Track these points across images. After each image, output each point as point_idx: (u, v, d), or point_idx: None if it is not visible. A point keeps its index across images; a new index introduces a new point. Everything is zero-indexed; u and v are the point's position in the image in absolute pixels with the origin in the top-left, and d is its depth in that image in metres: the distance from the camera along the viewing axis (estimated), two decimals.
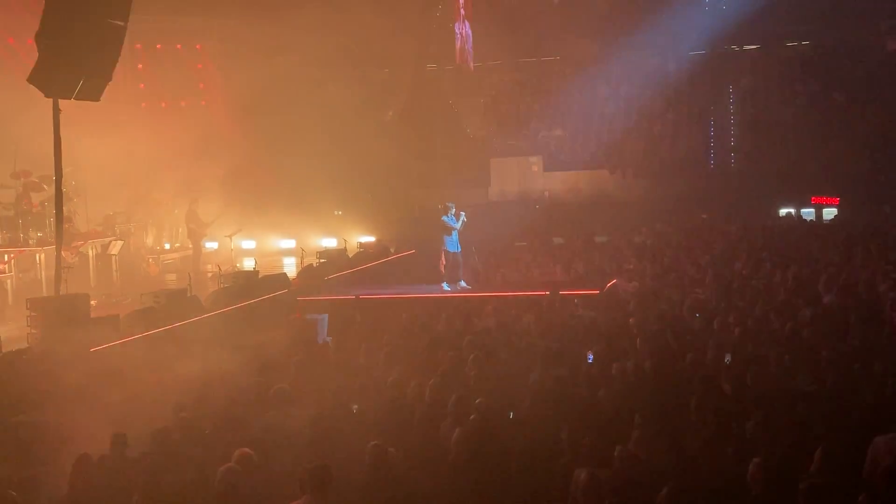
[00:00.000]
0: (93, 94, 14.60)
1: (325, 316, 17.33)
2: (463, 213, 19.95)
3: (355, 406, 10.53)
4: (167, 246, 26.61)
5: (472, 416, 9.24)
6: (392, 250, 26.91)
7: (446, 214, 19.83)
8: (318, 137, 28.50)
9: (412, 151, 31.51)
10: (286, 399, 10.43)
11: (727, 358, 11.69)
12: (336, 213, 30.68)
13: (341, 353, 13.41)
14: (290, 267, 24.78)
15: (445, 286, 19.88)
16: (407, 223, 29.75)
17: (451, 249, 19.85)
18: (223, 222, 24.33)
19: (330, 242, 28.46)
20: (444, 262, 19.96)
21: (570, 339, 13.71)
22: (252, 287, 19.11)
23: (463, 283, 20.07)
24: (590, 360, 12.31)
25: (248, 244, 28.82)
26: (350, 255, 25.13)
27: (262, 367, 12.19)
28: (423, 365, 12.51)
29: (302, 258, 23.84)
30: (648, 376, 11.11)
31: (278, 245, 29.57)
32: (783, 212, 31.46)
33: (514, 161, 35.61)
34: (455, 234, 19.81)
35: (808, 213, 31.44)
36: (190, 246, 24.51)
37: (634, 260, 22.66)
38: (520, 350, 13.20)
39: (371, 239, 28.78)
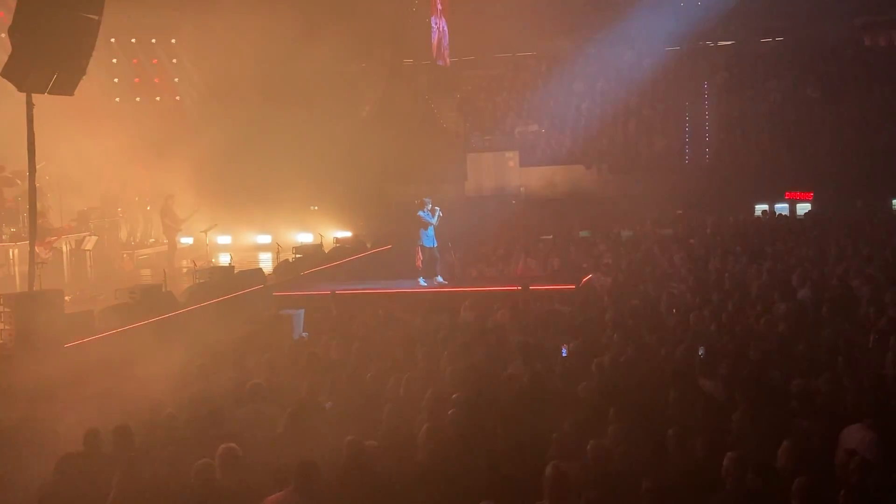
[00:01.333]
0: (67, 88, 14.47)
1: (302, 311, 17.30)
2: (438, 209, 19.95)
3: (329, 403, 10.53)
4: (152, 240, 26.46)
5: (450, 411, 9.24)
6: (368, 245, 26.88)
7: (422, 210, 19.83)
8: (294, 132, 28.38)
9: (388, 147, 31.46)
10: (262, 394, 10.41)
11: (701, 351, 11.76)
12: (312, 208, 30.58)
13: (317, 349, 13.38)
14: (266, 262, 24.68)
15: (422, 281, 19.88)
16: (383, 218, 29.71)
17: (428, 245, 19.85)
18: (198, 218, 24.20)
19: (306, 238, 28.38)
20: (421, 258, 19.96)
21: (546, 334, 13.75)
22: (228, 283, 19.03)
23: (440, 279, 20.08)
24: (564, 354, 12.35)
25: (224, 239, 28.66)
26: (326, 251, 25.06)
27: (237, 363, 12.15)
28: (400, 360, 12.52)
29: (278, 253, 23.76)
30: (624, 371, 11.16)
31: (254, 240, 29.45)
32: (758, 208, 31.63)
33: (491, 156, 35.67)
34: (431, 230, 19.81)
35: (781, 208, 31.66)
36: (165, 241, 24.37)
37: (610, 255, 22.76)
38: (495, 345, 13.22)
39: (347, 234, 28.72)
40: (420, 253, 19.96)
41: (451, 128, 37.90)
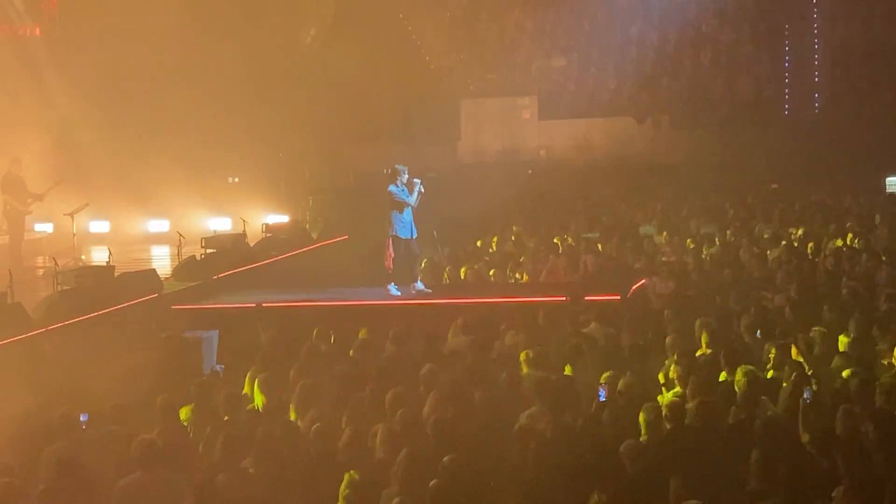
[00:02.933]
0: None
1: (215, 333, 17.31)
2: (419, 182, 19.91)
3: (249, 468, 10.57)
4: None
5: (432, 483, 9.27)
6: (314, 236, 26.87)
7: (395, 183, 19.80)
8: (205, 68, 28.37)
9: (344, 90, 31.46)
10: (155, 456, 10.41)
11: (806, 395, 11.79)
12: (231, 180, 30.58)
13: (237, 388, 13.39)
14: (162, 260, 24.69)
15: (393, 289, 19.88)
16: (336, 196, 29.70)
17: (403, 235, 19.80)
18: (60, 194, 24.15)
19: (221, 224, 28.38)
20: (392, 255, 19.92)
21: (577, 369, 13.78)
22: (105, 290, 19.02)
23: (420, 285, 20.09)
24: (602, 399, 12.37)
25: (100, 226, 28.67)
26: (251, 244, 25.05)
27: (118, 410, 12.16)
28: (360, 407, 12.55)
29: (179, 247, 23.75)
30: (691, 423, 11.19)
31: (144, 228, 29.45)
32: (892, 182, 31.71)
33: (497, 104, 35.66)
34: (408, 213, 19.76)
35: None
36: (7, 228, 24.30)
37: (672, 250, 22.81)
38: (503, 385, 13.25)
39: (283, 219, 28.71)
40: (391, 247, 19.91)
41: (437, 61, 37.89)
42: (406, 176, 19.84)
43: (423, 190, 19.92)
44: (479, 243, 25.69)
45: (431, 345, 15.28)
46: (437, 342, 15.43)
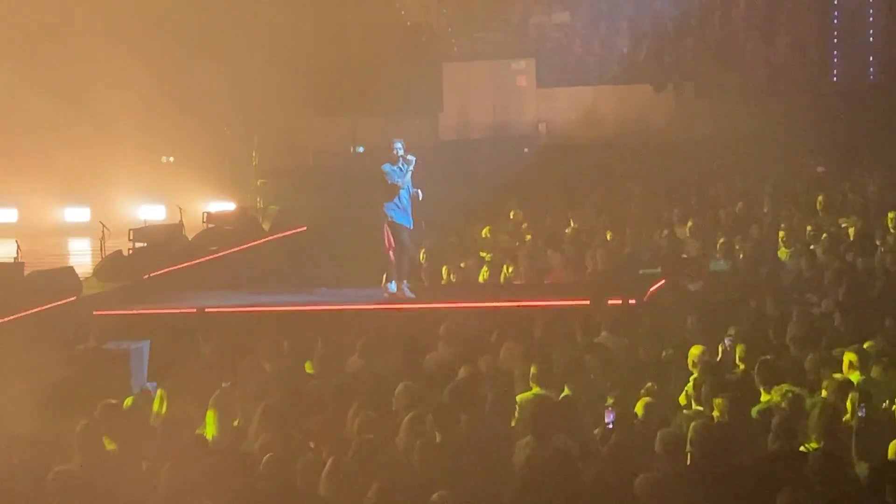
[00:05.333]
0: None
1: (146, 344, 17.31)
2: (413, 159, 19.77)
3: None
4: None
5: None
6: (266, 227, 26.88)
7: (392, 162, 19.64)
8: (133, 25, 28.35)
9: (304, 52, 31.47)
10: (75, 489, 10.43)
11: (861, 411, 11.82)
12: (164, 160, 30.56)
13: (174, 410, 13.42)
14: (82, 256, 24.69)
15: (393, 287, 19.76)
16: (293, 179, 29.71)
17: (401, 221, 19.65)
18: None
19: (153, 213, 28.37)
20: (394, 244, 19.70)
21: (581, 387, 13.81)
22: (12, 292, 19.02)
23: (392, 287, 20.04)
24: (609, 424, 12.38)
25: (6, 215, 28.64)
26: (190, 236, 25.05)
27: (30, 438, 12.18)
28: (322, 431, 12.57)
29: (103, 240, 23.74)
30: (719, 451, 11.22)
31: (60, 217, 29.41)
32: None
33: (486, 68, 35.67)
34: (405, 198, 19.63)
35: None
36: None
37: (699, 241, 22.82)
38: (495, 406, 13.28)
39: (228, 207, 28.70)
40: (390, 235, 19.68)
41: (414, 17, 37.91)
42: (402, 150, 19.75)
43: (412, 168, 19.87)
44: (462, 237, 25.74)
45: (408, 358, 15.30)
46: (416, 355, 15.46)
